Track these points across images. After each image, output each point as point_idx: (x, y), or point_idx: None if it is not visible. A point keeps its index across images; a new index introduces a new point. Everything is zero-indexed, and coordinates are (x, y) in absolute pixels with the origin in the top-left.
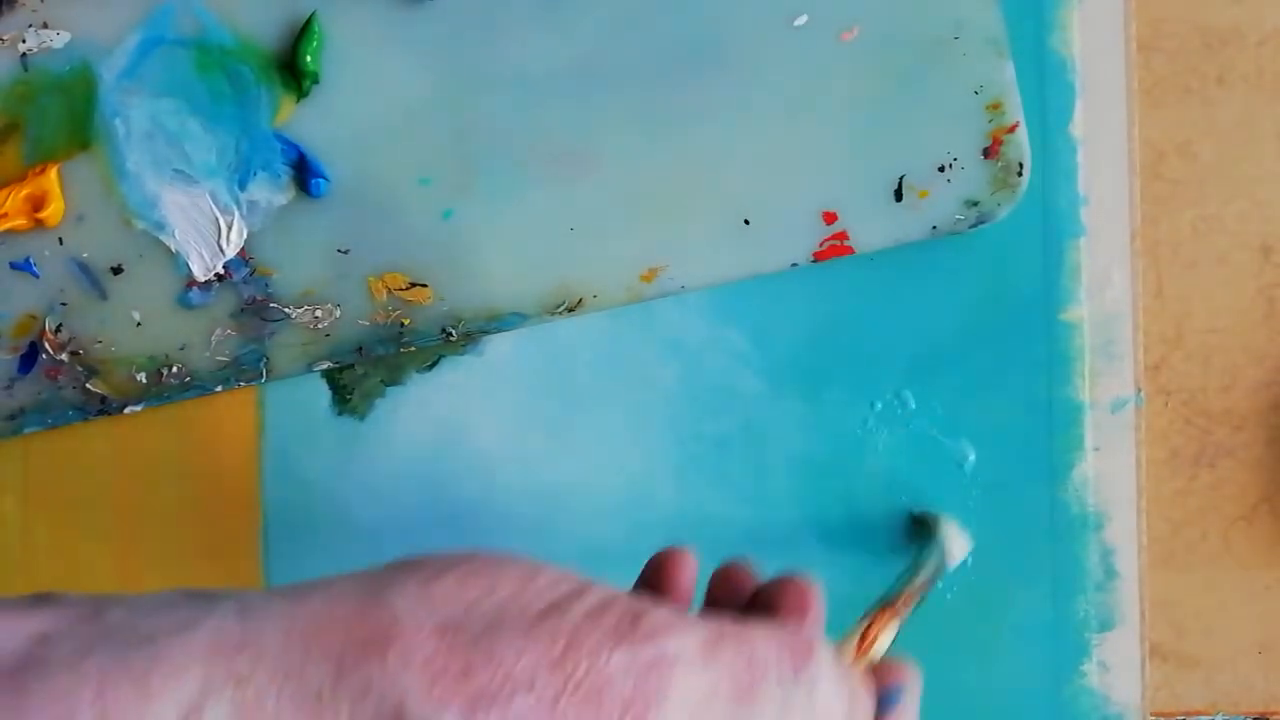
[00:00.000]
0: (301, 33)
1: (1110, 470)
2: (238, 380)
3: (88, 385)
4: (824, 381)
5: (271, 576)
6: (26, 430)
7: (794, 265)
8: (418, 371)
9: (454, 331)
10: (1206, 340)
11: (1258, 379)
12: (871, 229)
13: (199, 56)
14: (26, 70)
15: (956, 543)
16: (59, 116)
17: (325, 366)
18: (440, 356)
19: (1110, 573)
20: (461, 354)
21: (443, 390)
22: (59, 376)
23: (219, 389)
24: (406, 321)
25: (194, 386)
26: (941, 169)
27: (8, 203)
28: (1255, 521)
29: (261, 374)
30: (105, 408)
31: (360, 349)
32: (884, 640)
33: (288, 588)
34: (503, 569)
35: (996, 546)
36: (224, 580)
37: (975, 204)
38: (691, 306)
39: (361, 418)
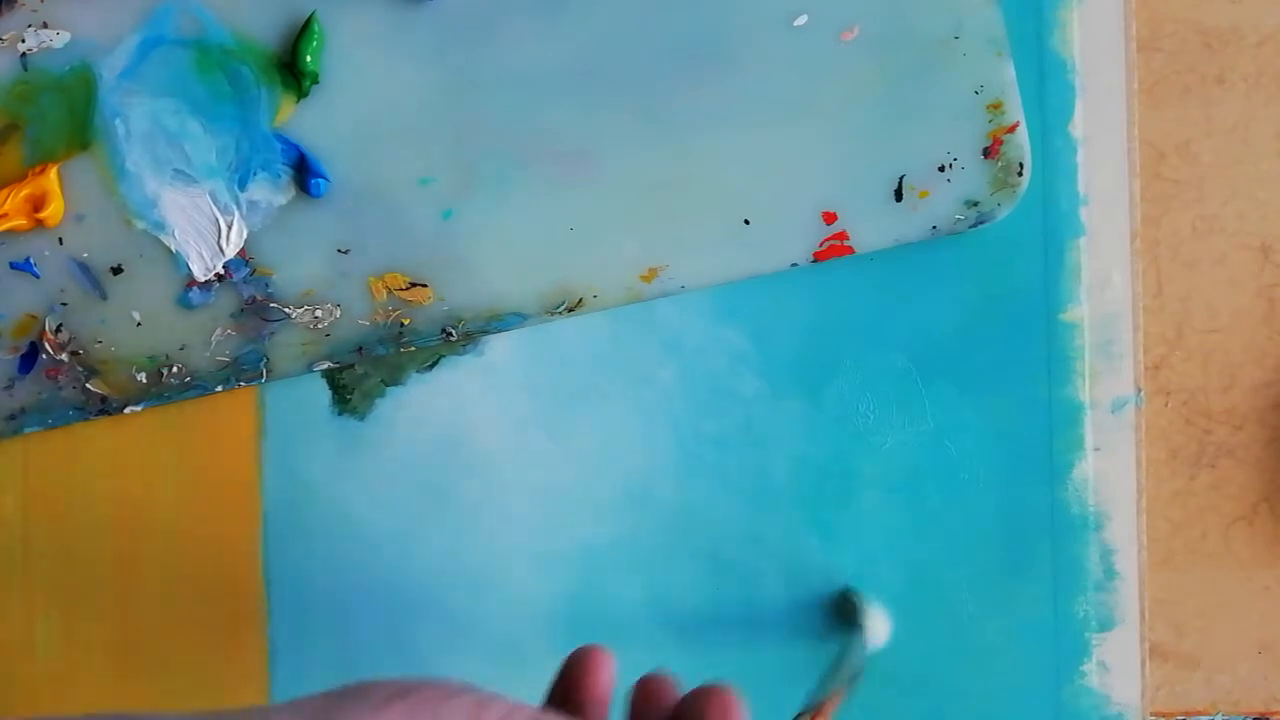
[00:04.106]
0: (301, 33)
1: (1110, 470)
2: (238, 380)
3: (88, 385)
4: (824, 381)
5: (271, 575)
6: (27, 430)
7: (794, 265)
8: (418, 371)
9: (454, 331)
10: (1206, 340)
11: (1258, 379)
12: (871, 229)
13: (199, 56)
14: (26, 70)
15: (879, 627)
16: (59, 117)
17: (325, 366)
18: (440, 356)
19: (1110, 573)
20: (461, 354)
21: (443, 390)
22: (59, 376)
23: (219, 389)
24: (406, 321)
25: (194, 386)
26: (941, 169)
27: (7, 203)
28: (1255, 521)
29: (261, 374)
30: (105, 408)
31: (360, 349)
32: None
33: (229, 717)
34: (449, 702)
35: (996, 546)
36: (224, 580)
37: (975, 204)
38: (691, 306)
39: (361, 418)
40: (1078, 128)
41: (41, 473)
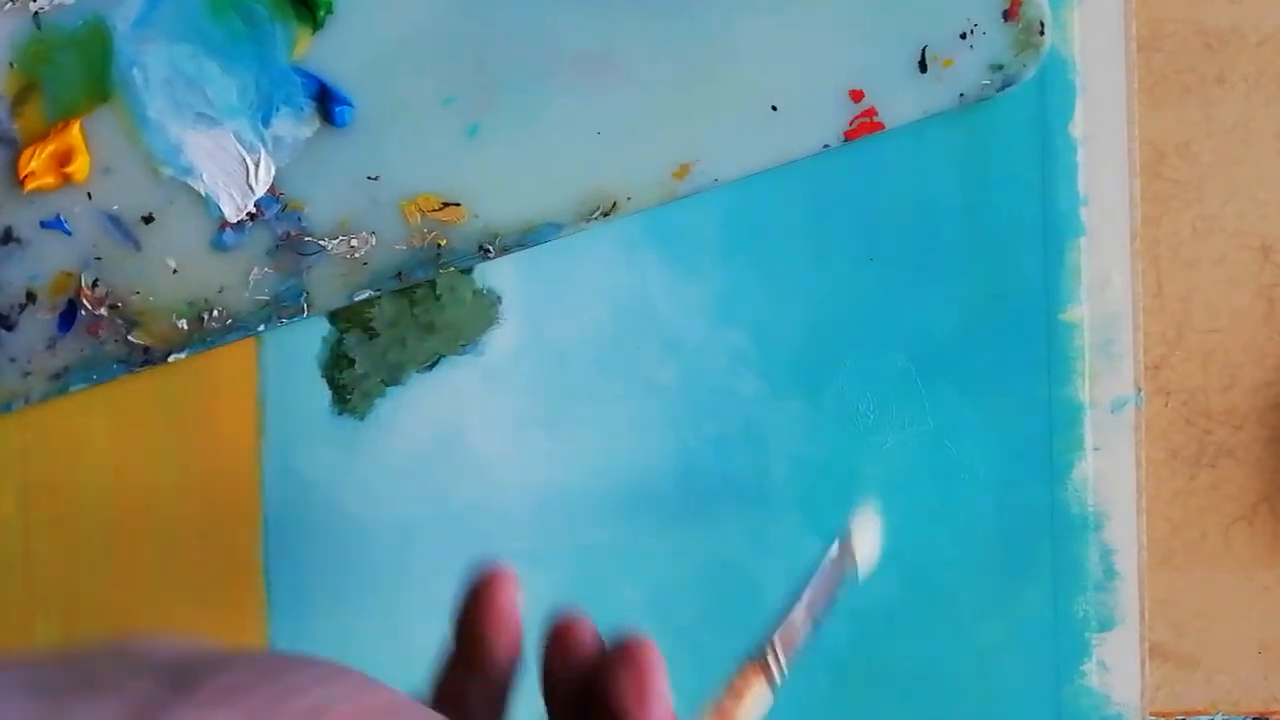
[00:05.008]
0: None
1: (1110, 470)
2: (279, 318)
3: (130, 337)
4: (824, 381)
5: (271, 575)
6: (73, 388)
7: (825, 147)
8: (418, 371)
9: (491, 248)
10: (1206, 340)
11: (1258, 379)
12: (899, 103)
13: None
14: (40, 29)
15: (865, 541)
16: (76, 72)
17: (366, 295)
18: (440, 356)
19: (1110, 573)
20: (461, 354)
21: (442, 390)
22: (100, 331)
23: (262, 328)
24: (443, 242)
25: (236, 328)
26: (963, 35)
27: (33, 161)
28: (1255, 521)
29: (303, 309)
30: (149, 358)
31: (399, 274)
32: (750, 707)
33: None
34: (287, 705)
35: (996, 546)
36: (223, 580)
37: (1000, 68)
38: (692, 306)
39: (361, 418)
40: (1078, 128)
41: (41, 473)
